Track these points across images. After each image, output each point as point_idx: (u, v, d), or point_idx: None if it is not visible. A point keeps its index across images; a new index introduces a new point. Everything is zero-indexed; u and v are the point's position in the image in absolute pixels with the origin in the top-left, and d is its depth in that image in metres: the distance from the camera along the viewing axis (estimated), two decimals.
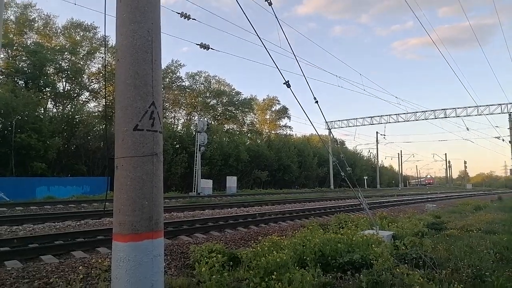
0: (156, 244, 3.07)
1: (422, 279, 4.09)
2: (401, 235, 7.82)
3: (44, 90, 32.74)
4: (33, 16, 35.58)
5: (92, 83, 39.23)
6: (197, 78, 53.89)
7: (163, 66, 47.06)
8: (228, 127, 54.64)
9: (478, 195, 45.01)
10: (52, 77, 34.11)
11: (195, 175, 31.20)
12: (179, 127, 46.33)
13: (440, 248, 6.51)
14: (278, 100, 64.81)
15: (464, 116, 41.63)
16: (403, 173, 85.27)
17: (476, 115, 40.92)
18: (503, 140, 40.87)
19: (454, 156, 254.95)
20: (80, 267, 5.45)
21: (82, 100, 37.91)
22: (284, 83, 6.98)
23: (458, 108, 42.19)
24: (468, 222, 11.13)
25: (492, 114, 39.83)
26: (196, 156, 31.65)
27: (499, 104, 39.19)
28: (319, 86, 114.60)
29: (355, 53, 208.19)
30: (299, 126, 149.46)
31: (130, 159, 3.07)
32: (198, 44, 16.63)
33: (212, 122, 49.63)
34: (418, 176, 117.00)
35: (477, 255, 5.99)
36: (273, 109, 65.68)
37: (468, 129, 43.70)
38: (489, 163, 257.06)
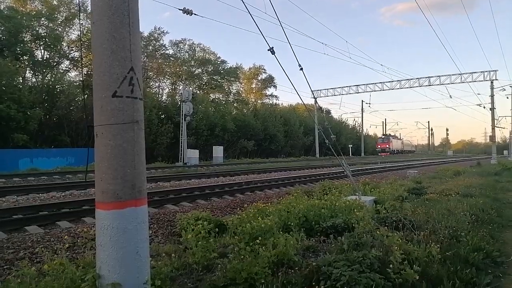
0: (139, 212, 3.07)
1: (401, 240, 4.24)
2: (383, 200, 8.03)
3: (21, 58, 31.37)
4: None
5: (72, 51, 37.77)
6: (181, 46, 52.53)
7: (146, 33, 45.63)
8: (214, 97, 54.01)
9: (458, 161, 46.41)
10: (29, 45, 32.59)
11: (181, 145, 31.08)
12: (164, 97, 45.63)
13: (419, 211, 6.74)
14: (264, 69, 64.20)
15: (448, 83, 41.96)
16: None
17: (459, 82, 41.27)
18: (484, 107, 41.59)
19: (437, 124, 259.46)
20: (66, 237, 5.48)
21: (62, 69, 36.58)
22: (268, 50, 6.87)
23: (442, 75, 42.45)
24: (447, 186, 11.50)
25: (474, 81, 40.20)
26: (182, 126, 31.38)
27: (482, 72, 39.54)
28: (305, 53, 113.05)
29: (342, 19, 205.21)
30: (285, 95, 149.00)
31: (110, 127, 3.01)
32: (181, 9, 16.06)
33: (198, 92, 48.92)
34: (402, 143, 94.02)
35: (454, 217, 6.23)
36: (259, 78, 65.07)
37: (451, 97, 44.36)
38: (470, 130, 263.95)
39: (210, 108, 42.04)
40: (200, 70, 54.02)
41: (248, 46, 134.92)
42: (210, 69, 54.47)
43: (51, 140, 30.13)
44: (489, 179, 15.09)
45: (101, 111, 3.04)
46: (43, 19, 33.78)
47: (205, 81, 54.96)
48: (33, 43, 33.44)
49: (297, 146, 57.79)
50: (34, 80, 33.51)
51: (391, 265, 3.53)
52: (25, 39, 32.00)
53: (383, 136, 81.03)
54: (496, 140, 41.27)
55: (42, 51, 34.79)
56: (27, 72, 33.00)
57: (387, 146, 75.17)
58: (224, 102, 53.09)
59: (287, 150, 55.16)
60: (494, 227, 6.18)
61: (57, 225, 7.15)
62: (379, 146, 75.98)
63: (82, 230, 5.98)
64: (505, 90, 42.62)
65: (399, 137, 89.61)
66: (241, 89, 63.53)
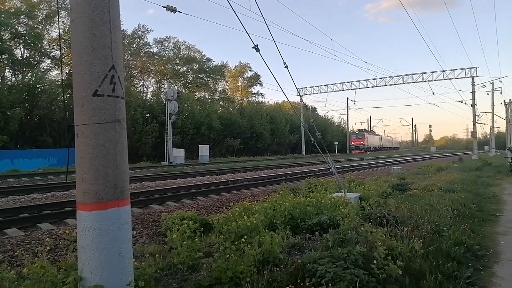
0: (122, 212, 3.02)
1: (384, 236, 4.29)
2: (367, 196, 8.13)
3: (0, 57, 30.60)
4: None
5: (53, 50, 36.94)
6: (166, 44, 52.07)
7: (129, 31, 44.98)
8: (199, 95, 53.73)
9: (441, 157, 47.34)
10: (8, 43, 31.70)
11: (167, 145, 30.80)
12: (148, 96, 45.11)
13: (403, 207, 6.84)
14: (250, 67, 64.14)
15: (431, 80, 42.70)
16: None
17: (441, 79, 42.02)
18: (465, 103, 42.56)
19: (420, 120, 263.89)
20: (47, 239, 5.36)
21: (43, 68, 35.76)
22: (253, 47, 6.84)
23: (425, 73, 43.15)
24: (430, 182, 11.71)
25: (456, 78, 41.01)
26: (167, 125, 31.09)
27: (463, 69, 40.38)
28: (290, 51, 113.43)
29: (327, 17, 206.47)
30: (271, 93, 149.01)
31: (91, 126, 2.95)
32: (165, 7, 15.87)
33: (183, 90, 48.57)
34: (381, 140, 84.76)
35: (437, 212, 6.35)
36: (245, 76, 65.04)
37: (434, 94, 45.16)
38: (452, 126, 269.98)
39: (195, 107, 41.79)
40: (185, 68, 53.64)
41: (234, 44, 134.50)
42: (195, 67, 54.12)
43: (33, 140, 29.47)
44: (470, 175, 15.43)
45: (81, 110, 2.98)
46: (22, 16, 32.96)
47: (190, 79, 54.60)
48: (12, 41, 32.57)
49: (284, 144, 58.00)
50: (13, 79, 32.74)
51: (375, 261, 3.57)
52: (3, 37, 31.12)
53: (357, 132, 72.89)
54: (477, 136, 42.23)
55: (22, 49, 33.99)
56: (6, 71, 32.20)
57: (362, 142, 67.86)
58: (209, 100, 52.89)
59: (274, 148, 55.31)
60: (475, 221, 6.33)
61: (38, 227, 6.98)
62: (352, 143, 67.95)
63: (64, 232, 5.87)
64: (485, 86, 43.67)
65: (376, 133, 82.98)
66: (226, 87, 63.44)
